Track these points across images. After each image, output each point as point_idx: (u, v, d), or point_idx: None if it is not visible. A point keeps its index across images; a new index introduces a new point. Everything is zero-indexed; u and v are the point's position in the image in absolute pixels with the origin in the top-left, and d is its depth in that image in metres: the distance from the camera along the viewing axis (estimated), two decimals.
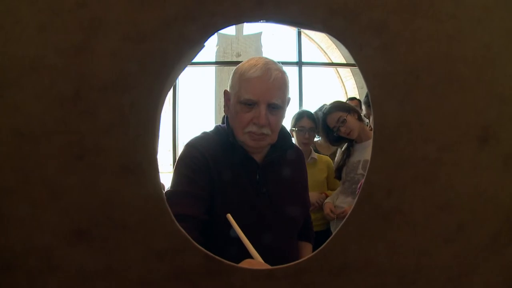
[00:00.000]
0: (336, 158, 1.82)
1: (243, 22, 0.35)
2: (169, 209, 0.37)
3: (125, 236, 0.37)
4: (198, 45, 0.35)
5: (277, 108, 0.86)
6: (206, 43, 0.35)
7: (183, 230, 0.37)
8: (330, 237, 0.39)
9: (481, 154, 0.40)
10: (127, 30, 0.34)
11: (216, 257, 0.37)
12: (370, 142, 1.69)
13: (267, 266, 0.46)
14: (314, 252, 0.39)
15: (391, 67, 0.37)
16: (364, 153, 1.70)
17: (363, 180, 0.40)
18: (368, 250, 0.39)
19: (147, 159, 0.36)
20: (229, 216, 0.58)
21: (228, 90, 0.93)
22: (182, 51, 0.35)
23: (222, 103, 1.00)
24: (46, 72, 0.35)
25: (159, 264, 0.37)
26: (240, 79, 0.87)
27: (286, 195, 0.92)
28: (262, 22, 0.35)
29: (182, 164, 0.85)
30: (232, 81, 0.90)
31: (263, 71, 0.84)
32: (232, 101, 0.89)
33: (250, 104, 0.85)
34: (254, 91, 0.83)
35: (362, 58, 0.37)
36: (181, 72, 0.36)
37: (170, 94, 4.28)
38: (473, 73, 0.39)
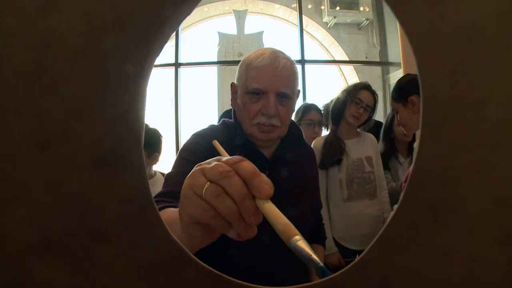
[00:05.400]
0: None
1: None
2: (159, 215, 0.29)
3: (104, 247, 0.29)
4: (185, 5, 0.27)
5: (287, 98, 0.82)
6: (194, 6, 0.28)
7: (178, 241, 0.29)
8: (369, 246, 0.31)
9: None
10: None
11: (222, 274, 0.29)
12: (361, 139, 1.66)
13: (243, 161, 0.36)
14: (350, 265, 0.31)
15: (438, 27, 0.29)
16: (361, 149, 1.66)
17: (409, 172, 0.32)
18: (414, 258, 0.31)
19: (128, 148, 0.27)
20: (215, 142, 0.51)
21: (235, 82, 0.89)
22: (168, 12, 0.27)
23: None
24: (2, 39, 0.27)
25: (148, 281, 0.29)
26: (247, 69, 0.83)
27: (297, 193, 0.87)
28: None
29: (185, 150, 0.83)
30: (239, 73, 0.87)
31: (271, 59, 0.80)
32: (239, 93, 0.85)
33: (258, 94, 0.81)
34: (262, 80, 0.80)
35: (405, 16, 0.29)
36: (169, 37, 0.28)
37: (171, 94, 4.22)
38: None
